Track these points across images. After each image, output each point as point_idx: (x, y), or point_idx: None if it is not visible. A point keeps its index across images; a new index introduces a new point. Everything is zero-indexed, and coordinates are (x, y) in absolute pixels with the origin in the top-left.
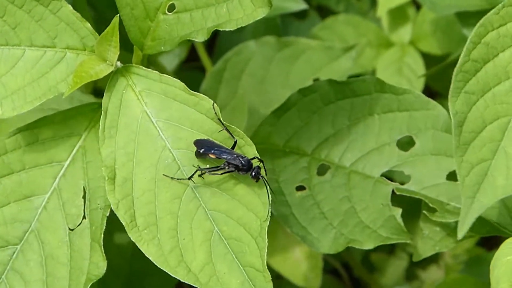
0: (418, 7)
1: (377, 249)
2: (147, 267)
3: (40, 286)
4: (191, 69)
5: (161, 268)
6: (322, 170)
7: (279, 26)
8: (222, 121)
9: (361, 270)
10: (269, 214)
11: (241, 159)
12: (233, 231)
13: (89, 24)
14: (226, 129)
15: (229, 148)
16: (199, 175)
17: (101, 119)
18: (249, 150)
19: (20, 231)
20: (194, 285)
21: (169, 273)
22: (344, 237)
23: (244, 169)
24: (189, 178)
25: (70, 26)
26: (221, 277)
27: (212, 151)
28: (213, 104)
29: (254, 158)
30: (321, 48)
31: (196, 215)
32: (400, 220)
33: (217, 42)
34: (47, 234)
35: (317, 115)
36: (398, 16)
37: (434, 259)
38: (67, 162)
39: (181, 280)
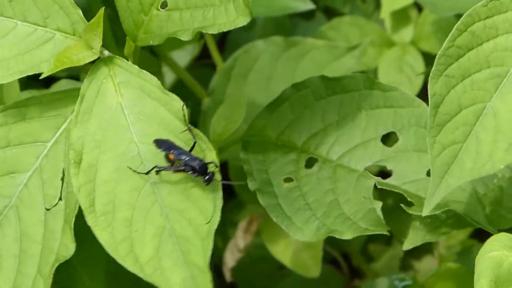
0: (420, 9)
1: (375, 240)
2: None
3: (13, 261)
4: (203, 66)
5: (111, 255)
6: (310, 163)
7: (287, 26)
8: (188, 123)
9: (359, 259)
10: (218, 218)
11: (198, 162)
12: (183, 230)
13: (80, 11)
14: (189, 130)
15: (188, 151)
16: (157, 172)
17: (76, 103)
18: (209, 154)
19: (0, 206)
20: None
21: (117, 260)
22: (326, 227)
23: (199, 171)
24: (147, 173)
25: (63, 9)
26: (165, 271)
27: (171, 152)
28: (182, 105)
29: (211, 162)
30: (326, 47)
31: (151, 210)
32: (379, 213)
33: (228, 40)
34: (25, 211)
35: (308, 110)
36: (400, 17)
37: (429, 250)
38: (51, 143)
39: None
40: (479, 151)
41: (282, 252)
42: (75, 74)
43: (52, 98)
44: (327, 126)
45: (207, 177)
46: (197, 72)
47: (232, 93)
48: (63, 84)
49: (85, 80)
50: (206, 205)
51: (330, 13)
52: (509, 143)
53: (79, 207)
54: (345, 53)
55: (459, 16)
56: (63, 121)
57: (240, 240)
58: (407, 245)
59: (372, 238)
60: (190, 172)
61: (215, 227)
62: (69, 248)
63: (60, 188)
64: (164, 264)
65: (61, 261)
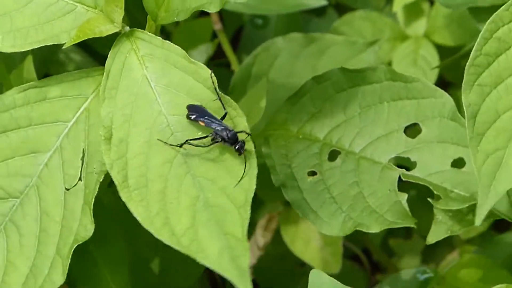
0: (432, 2)
1: (394, 234)
2: (174, 260)
3: (33, 240)
4: (217, 65)
5: (147, 228)
6: (332, 156)
7: (300, 22)
8: (218, 90)
9: (380, 254)
10: (254, 186)
11: (228, 131)
12: (218, 199)
13: None
14: (220, 99)
15: (219, 119)
16: (188, 141)
17: (103, 80)
18: (240, 121)
19: (21, 185)
20: (178, 249)
21: (153, 234)
22: (353, 221)
23: (229, 141)
24: (180, 146)
25: None
26: (202, 242)
27: (202, 119)
28: (210, 73)
29: (242, 131)
30: (345, 43)
31: (184, 180)
32: (405, 205)
33: (242, 39)
34: (46, 191)
35: (329, 102)
36: (413, 10)
37: (449, 242)
38: (71, 122)
39: (169, 245)
40: None
41: (302, 249)
42: None
43: (73, 78)
44: (349, 118)
45: (237, 146)
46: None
47: (252, 90)
48: None
49: (108, 55)
50: (240, 174)
51: (341, 9)
52: None
53: (99, 187)
54: (365, 48)
55: (471, 9)
56: (84, 101)
57: (260, 238)
58: (431, 239)
59: (391, 233)
60: (221, 141)
61: (251, 194)
62: (87, 229)
63: (80, 168)
64: (201, 235)
65: (80, 242)
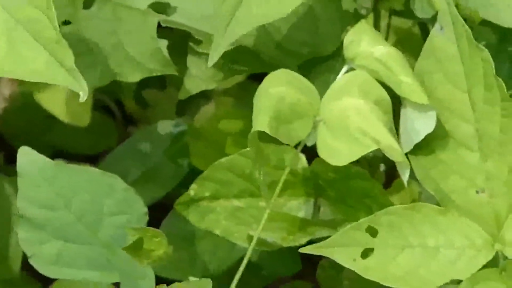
0: None
1: (149, 85)
2: None
3: None
4: None
5: None
6: (88, 3)
7: None
8: None
9: (133, 106)
10: None
11: None
12: (23, 13)
13: None
14: None
15: None
16: None
17: None
18: None
19: None
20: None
21: None
22: (111, 71)
23: None
24: None
25: None
26: (27, 62)
27: None
28: None
29: None
30: None
31: None
32: (166, 52)
33: None
34: None
35: None
36: None
37: (207, 94)
38: None
39: None
40: None
41: (50, 100)
42: None
43: None
44: None
45: None
46: None
47: None
48: None
49: None
50: None
51: None
52: None
53: None
54: None
55: None
56: None
57: (4, 88)
58: (184, 93)
59: (146, 84)
60: None
61: None
62: None
63: None
64: (24, 55)
65: None
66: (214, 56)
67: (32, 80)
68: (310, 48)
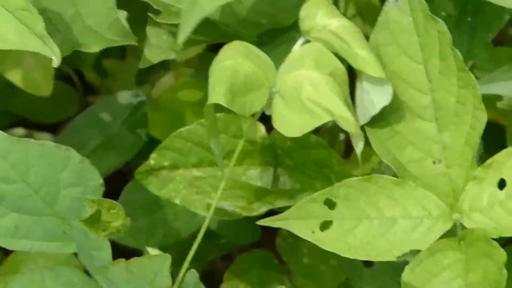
0: None
1: (109, 55)
2: None
3: None
4: None
5: None
6: None
7: None
8: None
9: (93, 75)
10: None
11: None
12: None
13: None
14: None
15: None
16: None
17: None
18: None
19: None
20: None
21: None
22: (71, 41)
23: None
24: None
25: None
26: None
27: None
28: None
29: None
30: None
31: None
32: (125, 23)
33: None
34: None
35: None
36: None
37: (165, 65)
38: None
39: None
40: None
41: (11, 70)
42: None
43: None
44: None
45: None
46: None
47: None
48: None
49: None
50: None
51: None
52: None
53: None
54: None
55: None
56: None
57: None
58: (144, 63)
59: (106, 53)
60: None
61: None
62: None
63: None
64: None
65: None
66: (183, 34)
67: (2, 48)
68: (269, 19)
